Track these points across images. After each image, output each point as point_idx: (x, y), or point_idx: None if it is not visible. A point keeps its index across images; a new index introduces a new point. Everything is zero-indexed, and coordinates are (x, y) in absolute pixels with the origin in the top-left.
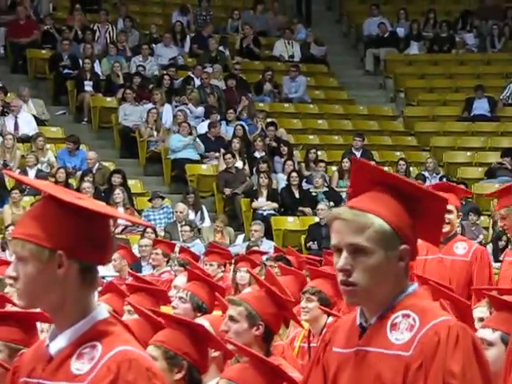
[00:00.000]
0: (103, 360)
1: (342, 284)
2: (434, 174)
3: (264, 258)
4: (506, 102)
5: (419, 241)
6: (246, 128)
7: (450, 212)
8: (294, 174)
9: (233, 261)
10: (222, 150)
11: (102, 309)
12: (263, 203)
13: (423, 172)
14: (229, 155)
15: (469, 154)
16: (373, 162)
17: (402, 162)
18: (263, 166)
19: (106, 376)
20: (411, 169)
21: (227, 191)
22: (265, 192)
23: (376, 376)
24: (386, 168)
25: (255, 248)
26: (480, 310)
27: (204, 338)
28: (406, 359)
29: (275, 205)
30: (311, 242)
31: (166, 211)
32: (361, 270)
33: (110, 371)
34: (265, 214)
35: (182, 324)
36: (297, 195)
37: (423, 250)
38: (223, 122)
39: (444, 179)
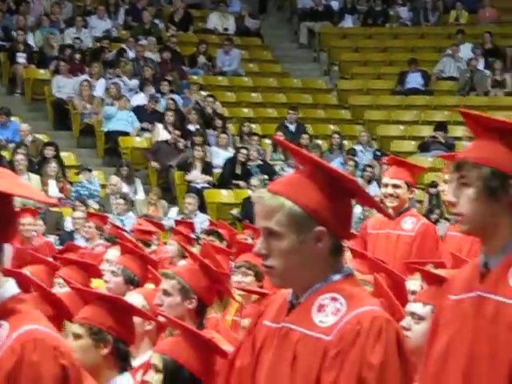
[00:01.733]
0: (9, 341)
1: (263, 266)
2: (368, 148)
3: (198, 231)
4: (439, 76)
5: (374, 217)
6: (180, 101)
7: (397, 187)
8: (244, 151)
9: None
10: (156, 123)
11: (10, 285)
12: (197, 176)
13: (356, 146)
14: (161, 127)
15: (402, 127)
16: (306, 136)
17: (335, 136)
18: (198, 139)
19: (10, 358)
20: (345, 142)
21: (155, 165)
22: (199, 165)
23: (294, 356)
24: (319, 141)
25: (189, 220)
26: (413, 284)
27: (126, 310)
28: (325, 343)
29: (209, 178)
30: (236, 213)
31: (94, 184)
32: (275, 253)
33: (14, 353)
34: (199, 187)
35: (103, 299)
36: (238, 171)
37: (376, 225)
38: (158, 95)
39: (378, 153)
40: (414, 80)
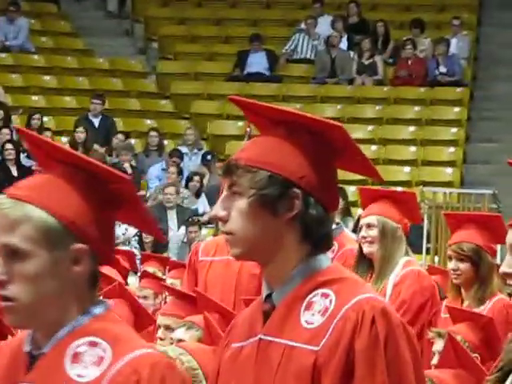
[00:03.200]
0: None
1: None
2: (196, 150)
3: None
4: (289, 58)
5: (210, 239)
6: None
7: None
8: (10, 146)
9: None
10: None
11: None
12: None
13: (180, 147)
14: None
15: (240, 123)
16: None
17: (153, 133)
18: None
19: None
20: (165, 142)
21: None
22: None
23: None
24: (132, 140)
25: None
26: None
27: None
28: None
29: None
30: None
31: None
32: (18, 279)
33: None
34: None
35: None
36: (15, 173)
37: (211, 250)
38: None
39: (209, 156)
40: (258, 62)
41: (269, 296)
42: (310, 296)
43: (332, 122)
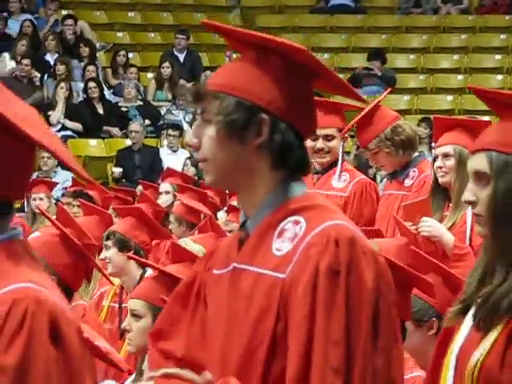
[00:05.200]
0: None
1: None
2: None
3: (59, 192)
4: None
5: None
6: (35, 23)
7: (329, 138)
8: (92, 84)
9: None
10: (4, 53)
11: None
12: (58, 119)
13: None
14: (8, 57)
15: (326, 56)
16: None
17: None
18: (61, 70)
19: None
20: None
21: None
22: (62, 106)
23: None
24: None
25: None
26: None
27: None
28: None
29: (75, 124)
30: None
31: None
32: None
33: None
34: (60, 134)
35: None
36: (100, 111)
37: None
38: (5, 15)
39: None
40: None
41: (244, 223)
42: (284, 223)
43: (297, 45)
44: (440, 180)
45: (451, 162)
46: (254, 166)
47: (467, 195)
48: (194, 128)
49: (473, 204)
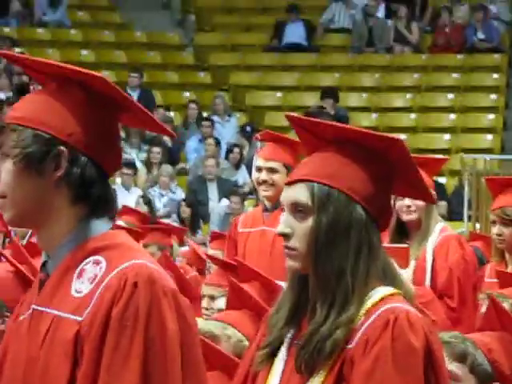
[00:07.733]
0: None
1: None
2: (227, 117)
3: None
4: (327, 28)
5: (248, 211)
6: None
7: (273, 171)
8: None
9: None
10: None
11: None
12: None
13: (212, 116)
14: None
15: (279, 94)
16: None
17: (192, 106)
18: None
19: None
20: (204, 114)
21: None
22: None
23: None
24: (171, 113)
25: None
26: None
27: None
28: None
29: None
30: None
31: None
32: None
33: None
34: None
35: None
36: None
37: (249, 222)
38: None
39: (248, 128)
40: (295, 33)
41: (45, 264)
42: (83, 263)
43: (95, 73)
44: (405, 218)
45: (420, 201)
46: (54, 202)
47: (282, 227)
48: None
49: (287, 237)
